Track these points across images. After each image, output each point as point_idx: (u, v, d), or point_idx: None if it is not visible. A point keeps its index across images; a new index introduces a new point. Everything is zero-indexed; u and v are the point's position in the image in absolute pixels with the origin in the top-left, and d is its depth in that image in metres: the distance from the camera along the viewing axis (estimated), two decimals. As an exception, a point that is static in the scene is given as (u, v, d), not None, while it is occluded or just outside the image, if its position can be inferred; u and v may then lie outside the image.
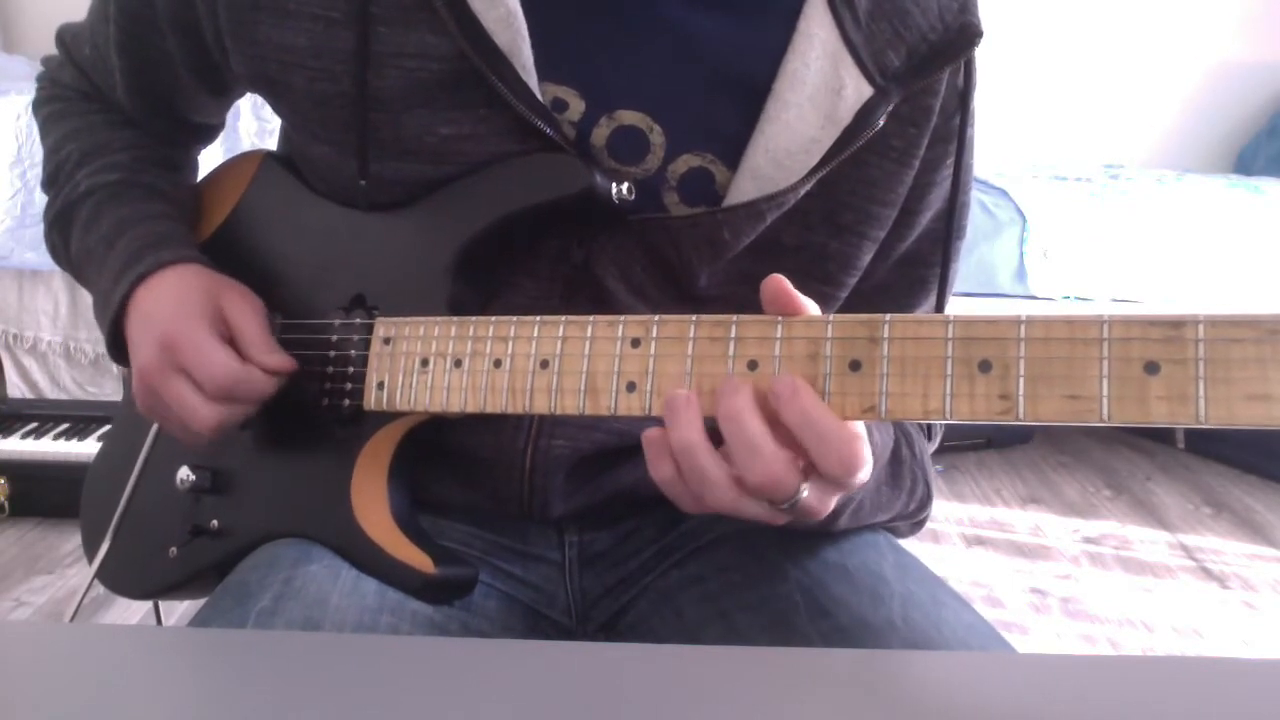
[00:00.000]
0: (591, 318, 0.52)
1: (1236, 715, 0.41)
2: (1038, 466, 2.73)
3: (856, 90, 0.58)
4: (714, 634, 0.63)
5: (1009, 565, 2.13)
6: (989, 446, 2.82)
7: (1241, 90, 3.22)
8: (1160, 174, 2.90)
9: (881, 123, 0.59)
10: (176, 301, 0.63)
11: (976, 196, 2.36)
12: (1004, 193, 2.43)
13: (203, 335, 0.61)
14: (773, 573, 0.64)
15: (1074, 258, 2.36)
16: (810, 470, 0.47)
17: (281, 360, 0.63)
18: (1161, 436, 2.91)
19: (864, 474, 0.47)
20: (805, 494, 0.46)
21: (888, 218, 0.64)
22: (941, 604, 0.60)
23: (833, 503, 0.49)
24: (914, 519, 0.68)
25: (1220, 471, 2.71)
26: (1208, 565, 2.15)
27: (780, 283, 0.48)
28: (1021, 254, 2.36)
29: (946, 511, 2.40)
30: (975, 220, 2.34)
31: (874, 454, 0.57)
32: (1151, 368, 0.39)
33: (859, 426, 0.47)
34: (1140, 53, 3.19)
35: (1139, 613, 1.94)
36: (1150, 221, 2.39)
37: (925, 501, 0.67)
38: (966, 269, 2.33)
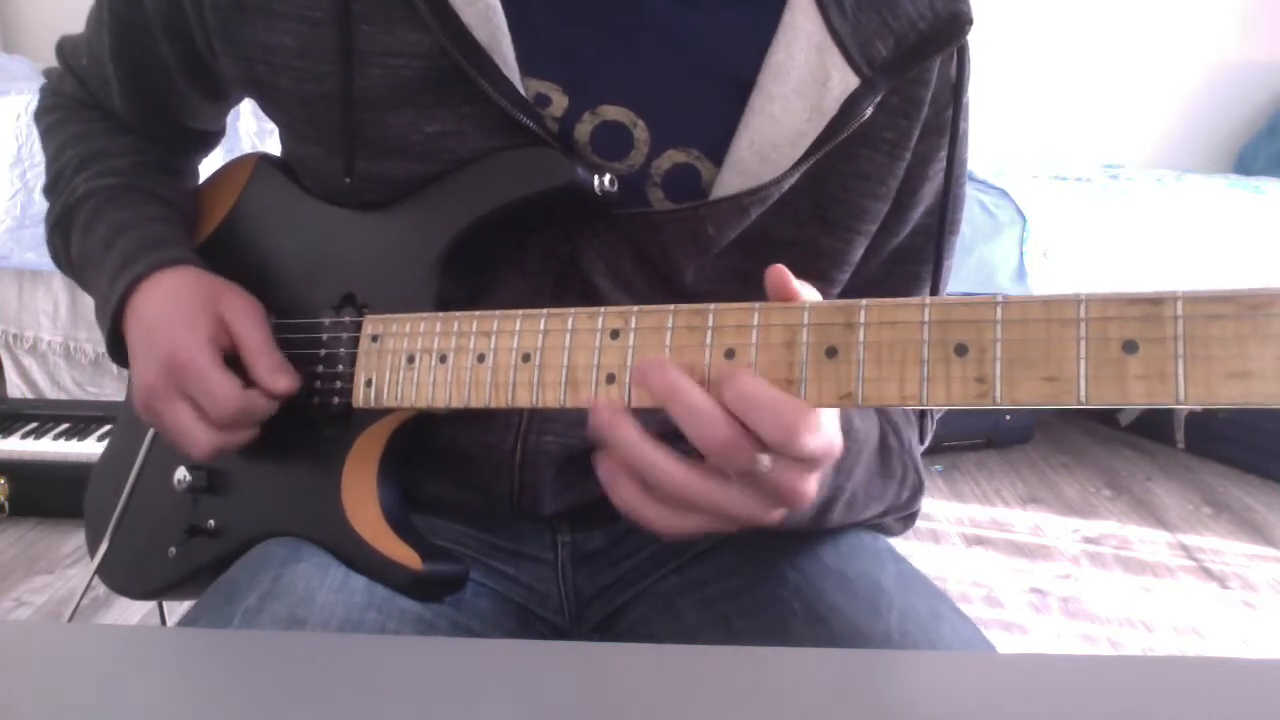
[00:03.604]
0: (572, 310, 0.52)
1: (1236, 715, 0.41)
2: (1038, 466, 2.72)
3: (843, 81, 0.58)
4: (711, 638, 0.63)
5: (1009, 565, 2.13)
6: (989, 446, 2.81)
7: (1241, 90, 3.21)
8: (1160, 174, 2.90)
9: (869, 113, 0.58)
10: (176, 311, 0.63)
11: (977, 196, 2.36)
12: (1004, 193, 2.43)
13: (207, 359, 0.61)
14: (773, 577, 0.64)
15: (1074, 258, 2.36)
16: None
17: (288, 382, 0.63)
18: (1161, 436, 2.90)
19: (819, 441, 0.45)
20: (766, 462, 0.46)
21: (879, 212, 0.64)
22: (940, 617, 0.60)
23: (814, 482, 0.48)
24: (906, 511, 0.68)
25: (1220, 471, 2.70)
26: (1208, 565, 2.14)
27: (780, 274, 0.47)
28: (1021, 254, 2.36)
29: (946, 511, 2.39)
30: (975, 220, 2.34)
31: (857, 440, 0.56)
32: (1130, 347, 0.39)
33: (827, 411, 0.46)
34: (1140, 53, 3.19)
35: (1139, 613, 1.94)
36: (1150, 221, 2.38)
37: (917, 491, 0.66)
38: (966, 269, 2.33)
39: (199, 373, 0.61)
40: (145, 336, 0.64)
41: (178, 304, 0.64)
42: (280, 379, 0.62)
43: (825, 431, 0.46)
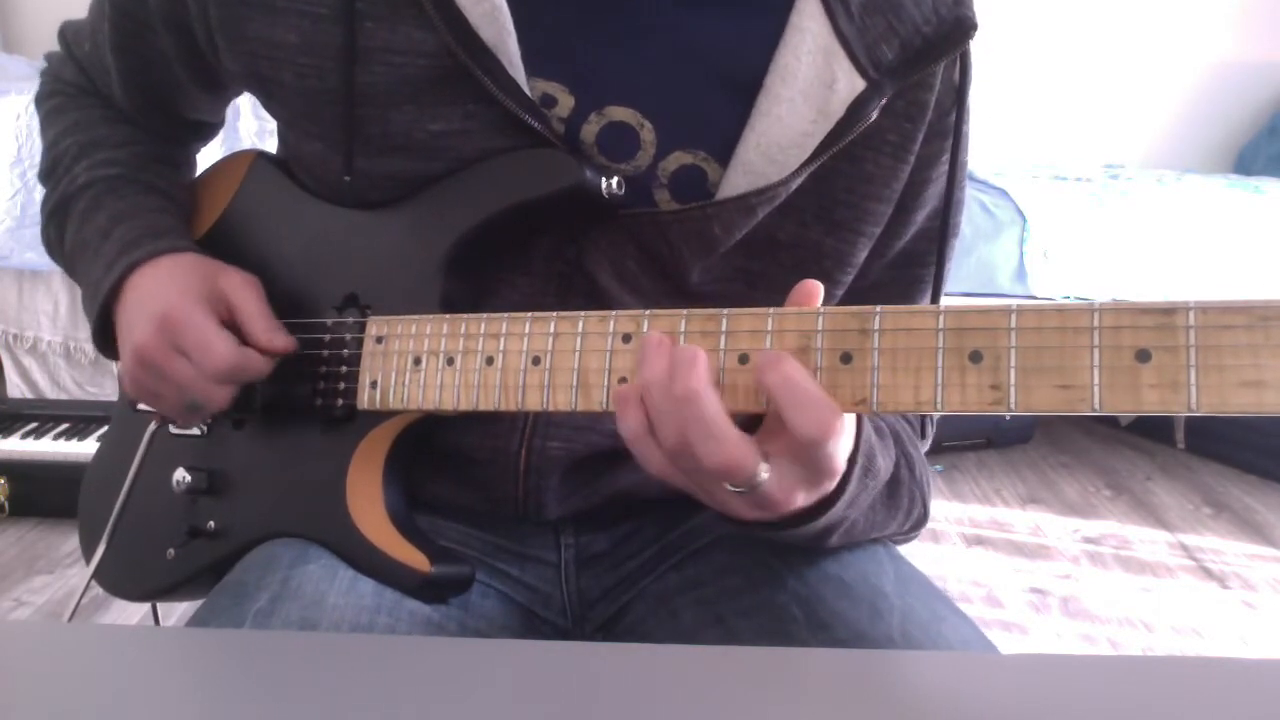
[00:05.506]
0: (583, 314, 0.52)
1: (1236, 715, 0.41)
2: (1038, 466, 2.72)
3: (849, 84, 0.58)
4: (710, 638, 0.63)
5: (1009, 565, 2.13)
6: (989, 446, 2.81)
7: (1241, 90, 3.22)
8: (1160, 174, 2.90)
9: (874, 116, 0.58)
10: (174, 283, 0.64)
11: (977, 196, 2.36)
12: (1004, 193, 2.43)
13: (203, 317, 0.62)
14: (770, 580, 0.64)
15: (1074, 258, 2.36)
16: (771, 452, 0.47)
17: (284, 341, 0.63)
18: (1162, 436, 2.91)
19: (836, 444, 0.46)
20: (765, 476, 0.46)
21: (883, 214, 0.64)
22: (941, 619, 0.60)
23: (798, 498, 0.49)
24: (909, 535, 0.68)
25: (1220, 471, 2.70)
26: (1208, 565, 2.15)
27: (812, 287, 0.48)
28: (1021, 254, 2.36)
29: (946, 511, 2.39)
30: (975, 220, 2.34)
31: (876, 478, 0.57)
32: (1143, 355, 0.39)
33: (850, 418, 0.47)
34: (1140, 53, 3.19)
35: (1139, 613, 1.94)
36: (1150, 221, 2.38)
37: (921, 521, 0.66)
38: (966, 269, 2.33)
39: (195, 326, 0.61)
40: (139, 305, 0.64)
41: (175, 278, 0.64)
42: (278, 337, 0.63)
43: (845, 434, 0.46)
